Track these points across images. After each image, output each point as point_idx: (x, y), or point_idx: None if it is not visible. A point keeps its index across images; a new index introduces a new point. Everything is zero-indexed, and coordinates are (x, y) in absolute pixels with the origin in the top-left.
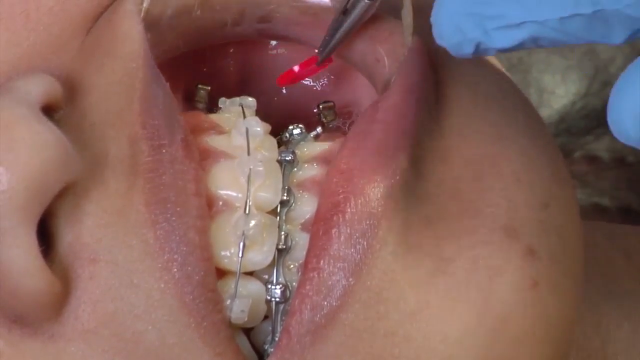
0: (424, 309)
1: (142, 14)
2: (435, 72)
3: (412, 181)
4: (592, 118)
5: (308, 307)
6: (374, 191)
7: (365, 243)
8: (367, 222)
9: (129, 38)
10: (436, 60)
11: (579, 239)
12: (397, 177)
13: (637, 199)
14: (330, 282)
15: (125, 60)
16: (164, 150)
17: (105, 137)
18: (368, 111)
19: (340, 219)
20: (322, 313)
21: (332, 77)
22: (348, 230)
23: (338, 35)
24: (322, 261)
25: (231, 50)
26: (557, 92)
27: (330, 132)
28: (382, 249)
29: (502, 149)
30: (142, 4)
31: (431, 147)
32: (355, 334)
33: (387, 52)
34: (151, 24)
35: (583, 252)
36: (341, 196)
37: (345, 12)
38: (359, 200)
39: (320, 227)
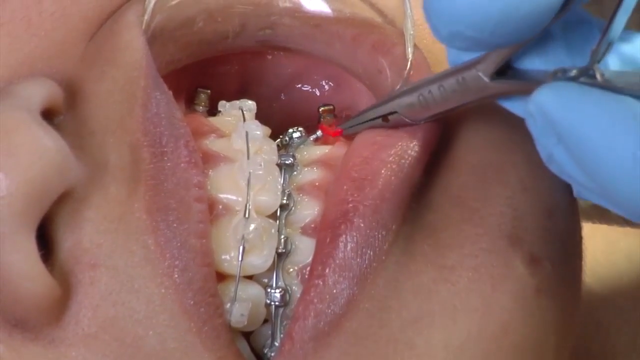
0: (426, 316)
1: (144, 26)
2: None
3: (418, 190)
4: None
5: (312, 313)
6: (384, 202)
7: (371, 253)
8: (375, 233)
9: (131, 48)
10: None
11: (580, 245)
12: (409, 190)
13: None
14: (335, 291)
15: (127, 69)
16: (165, 158)
17: (105, 144)
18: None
19: (348, 228)
20: (326, 320)
21: (331, 83)
22: (355, 240)
23: (366, 125)
24: (327, 269)
25: (232, 56)
26: None
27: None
28: (387, 258)
29: (509, 156)
30: (143, 15)
31: (438, 155)
32: (358, 341)
33: (389, 64)
34: (153, 36)
35: (583, 257)
36: (350, 205)
37: (384, 118)
38: (369, 210)
39: (327, 234)
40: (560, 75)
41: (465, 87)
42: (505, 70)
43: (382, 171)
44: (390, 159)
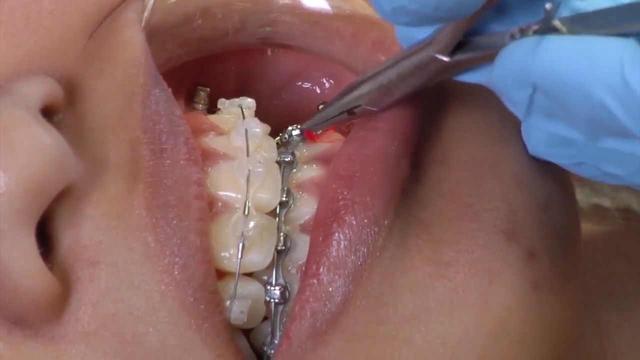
0: (423, 312)
1: (143, 23)
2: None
3: (411, 186)
4: None
5: (308, 313)
6: (374, 198)
7: (365, 250)
8: (367, 230)
9: (130, 45)
10: None
11: (578, 240)
12: (397, 184)
13: (637, 200)
14: (330, 289)
15: (125, 67)
16: (165, 155)
17: (105, 141)
18: (367, 118)
19: (340, 226)
20: (323, 319)
21: (331, 80)
22: (348, 237)
23: (336, 120)
24: (322, 268)
25: (231, 53)
26: None
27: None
28: (382, 255)
29: (502, 150)
30: (143, 12)
31: (429, 151)
32: (356, 338)
33: None
34: (152, 33)
35: (581, 253)
36: (341, 202)
37: (349, 112)
38: (359, 207)
39: (319, 233)
40: (519, 35)
41: (423, 69)
42: (462, 44)
43: (369, 167)
44: (376, 153)
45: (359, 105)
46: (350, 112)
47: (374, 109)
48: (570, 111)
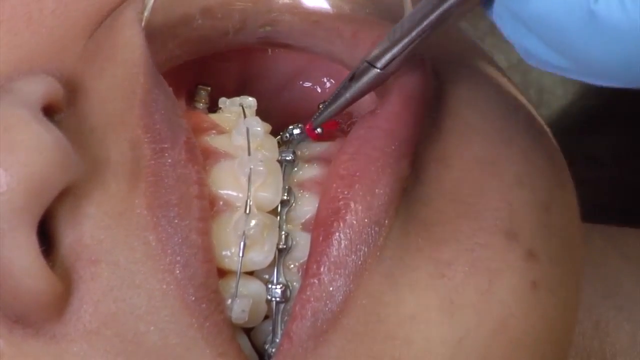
0: (424, 312)
1: (143, 23)
2: (435, 74)
3: (411, 185)
4: (592, 118)
5: (309, 312)
6: (375, 198)
7: (365, 249)
8: (368, 229)
9: (130, 45)
10: (436, 63)
11: (579, 240)
12: (398, 184)
13: (637, 199)
14: (331, 288)
15: (126, 66)
16: (166, 154)
17: (106, 140)
18: (367, 117)
19: (341, 225)
20: (324, 318)
21: (332, 80)
22: (348, 237)
23: (341, 101)
24: (322, 267)
25: (232, 53)
26: (556, 93)
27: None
28: (382, 254)
29: (503, 150)
30: (143, 12)
31: (430, 150)
32: (357, 338)
33: None
34: (152, 33)
35: (582, 253)
36: (341, 202)
37: (352, 78)
38: (360, 207)
39: (320, 232)
40: None
41: None
42: None
43: (369, 166)
44: (376, 153)
45: (363, 65)
46: (353, 78)
47: (377, 67)
48: (554, 50)
